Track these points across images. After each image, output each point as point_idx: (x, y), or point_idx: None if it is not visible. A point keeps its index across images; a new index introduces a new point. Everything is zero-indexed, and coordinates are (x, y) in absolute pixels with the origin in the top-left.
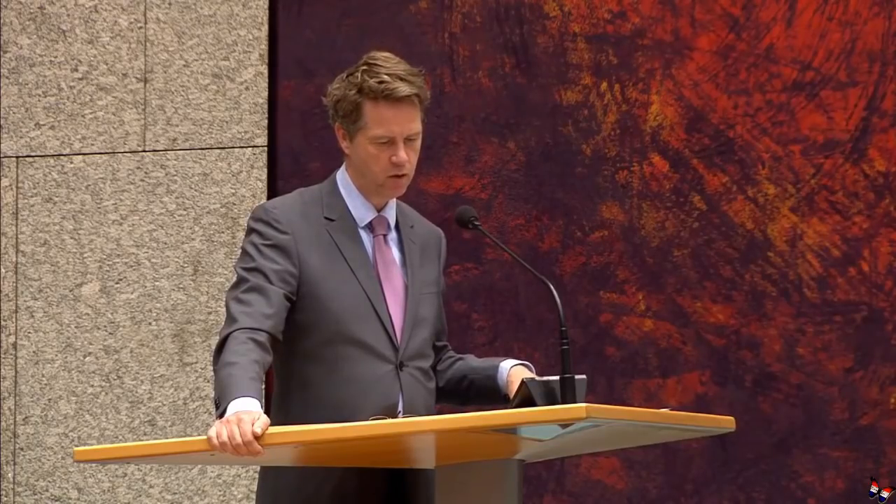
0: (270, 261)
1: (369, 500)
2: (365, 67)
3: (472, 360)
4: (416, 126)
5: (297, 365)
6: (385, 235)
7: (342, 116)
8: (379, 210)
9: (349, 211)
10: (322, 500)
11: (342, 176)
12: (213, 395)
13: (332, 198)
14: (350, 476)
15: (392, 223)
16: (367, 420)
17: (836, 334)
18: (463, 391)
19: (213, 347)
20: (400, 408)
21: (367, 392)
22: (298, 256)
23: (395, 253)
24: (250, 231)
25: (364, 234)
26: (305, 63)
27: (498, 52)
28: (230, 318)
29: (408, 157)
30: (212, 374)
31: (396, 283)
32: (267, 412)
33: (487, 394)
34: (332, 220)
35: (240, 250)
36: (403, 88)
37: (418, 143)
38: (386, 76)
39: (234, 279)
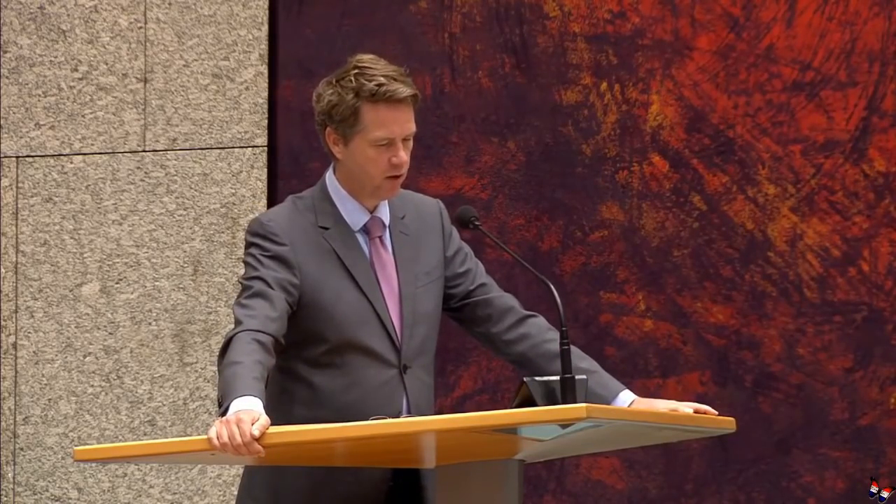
0: (271, 270)
1: (369, 489)
2: (356, 71)
3: (542, 348)
4: (413, 126)
5: (302, 371)
6: (380, 237)
7: (338, 121)
8: (371, 211)
9: (342, 217)
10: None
11: (332, 181)
12: (213, 394)
13: (324, 205)
14: (351, 469)
15: (386, 222)
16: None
17: (836, 334)
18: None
19: (218, 348)
20: (405, 412)
21: (372, 397)
22: (298, 267)
23: (391, 252)
24: (249, 244)
25: (360, 238)
26: (305, 63)
27: (498, 52)
28: (236, 322)
29: (406, 158)
30: (212, 373)
31: (394, 284)
32: (269, 413)
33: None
34: (326, 228)
35: (242, 264)
36: (403, 90)
37: (411, 142)
38: (382, 78)
39: (239, 289)
